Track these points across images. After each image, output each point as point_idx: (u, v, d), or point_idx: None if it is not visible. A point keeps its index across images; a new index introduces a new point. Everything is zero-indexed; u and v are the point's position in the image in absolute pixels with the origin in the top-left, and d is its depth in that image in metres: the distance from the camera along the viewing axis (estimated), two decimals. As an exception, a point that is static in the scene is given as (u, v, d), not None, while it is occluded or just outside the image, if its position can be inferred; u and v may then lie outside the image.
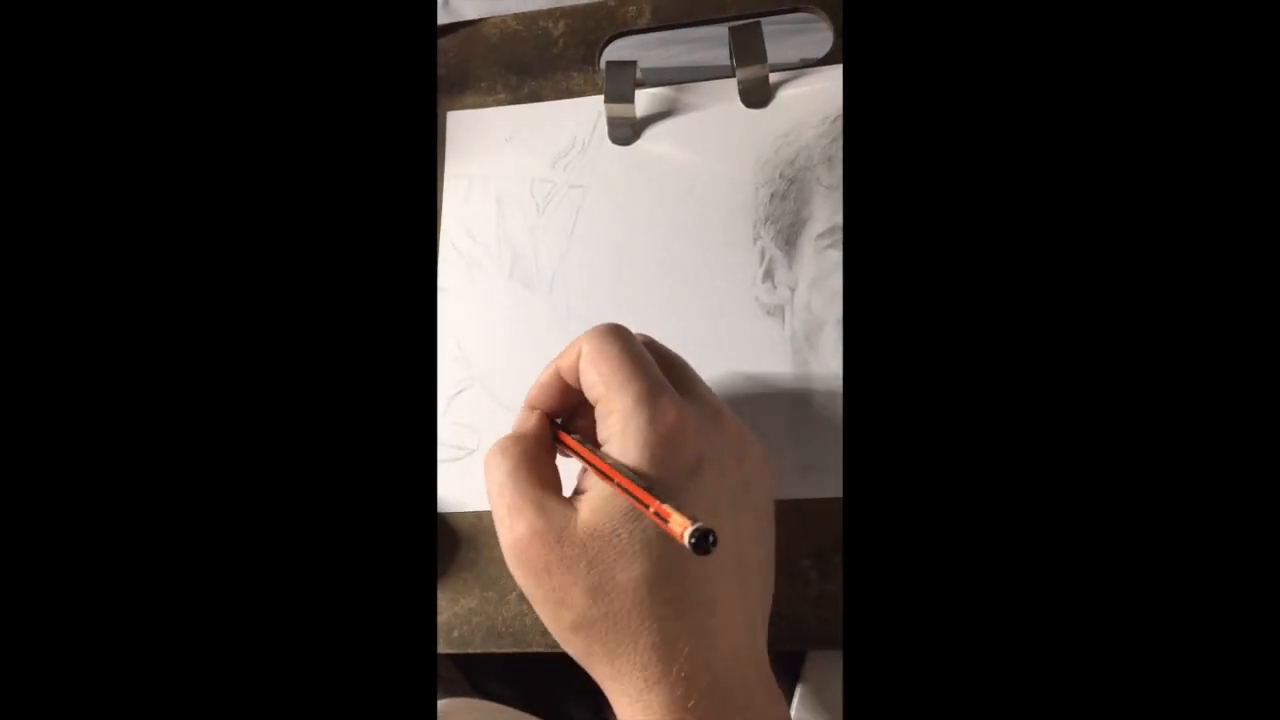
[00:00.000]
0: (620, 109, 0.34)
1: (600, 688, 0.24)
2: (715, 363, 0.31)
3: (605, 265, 0.34)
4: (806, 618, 0.29)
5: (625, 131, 0.35)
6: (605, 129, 0.35)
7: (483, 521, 0.32)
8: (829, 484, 0.30)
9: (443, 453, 0.33)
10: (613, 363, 0.24)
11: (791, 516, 0.29)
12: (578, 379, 0.25)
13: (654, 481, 0.22)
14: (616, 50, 0.36)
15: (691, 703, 0.22)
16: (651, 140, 0.35)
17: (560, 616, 0.23)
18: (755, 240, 0.33)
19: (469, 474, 0.32)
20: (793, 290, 0.32)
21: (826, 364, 0.31)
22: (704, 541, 0.19)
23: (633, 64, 0.33)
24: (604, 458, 0.23)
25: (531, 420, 0.26)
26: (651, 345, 0.27)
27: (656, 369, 0.24)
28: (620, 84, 0.33)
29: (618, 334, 0.25)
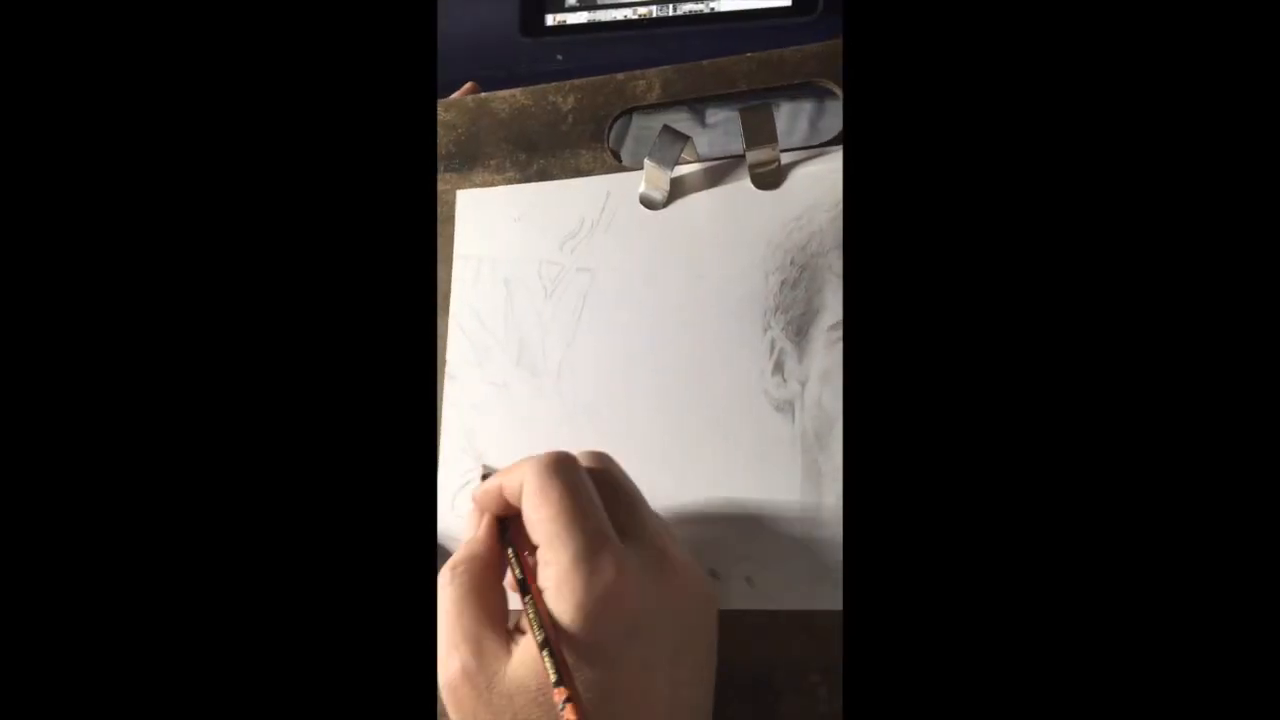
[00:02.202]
0: (659, 174, 0.33)
1: None
2: (721, 460, 0.30)
3: (613, 353, 0.33)
4: (814, 734, 0.28)
5: (655, 197, 0.34)
6: (614, 210, 0.34)
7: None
8: (839, 595, 0.29)
9: (449, 547, 0.33)
10: (554, 508, 0.23)
11: (798, 629, 0.28)
12: (519, 501, 0.25)
13: (586, 642, 0.22)
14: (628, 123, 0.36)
15: None
16: (660, 221, 0.34)
17: None
18: (765, 330, 0.32)
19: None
20: (803, 385, 0.31)
21: (837, 464, 0.30)
22: None
23: (686, 138, 0.33)
24: (534, 619, 0.23)
25: (481, 535, 0.26)
26: (602, 475, 0.26)
27: (600, 516, 0.24)
28: (667, 149, 0.33)
29: (561, 472, 0.24)
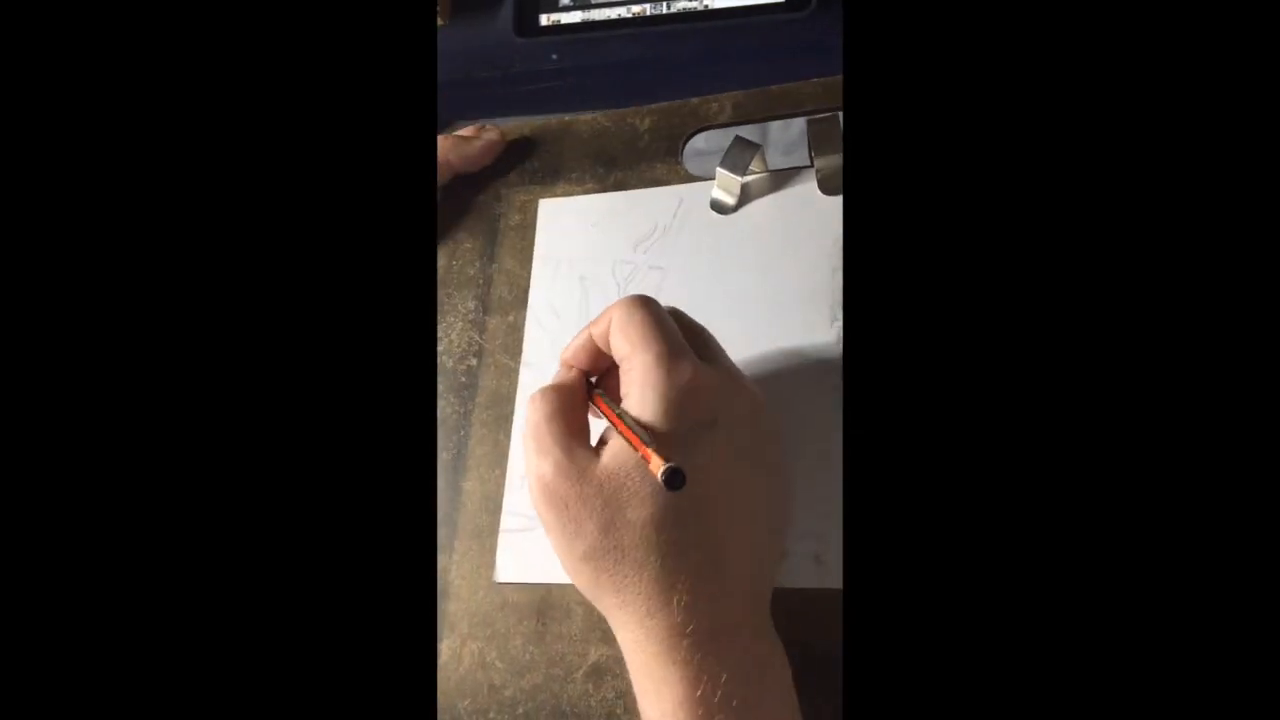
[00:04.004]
0: (729, 180, 0.35)
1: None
2: (791, 446, 0.31)
3: (682, 344, 0.34)
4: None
5: (726, 202, 0.36)
6: (685, 215, 0.37)
7: (552, 595, 0.32)
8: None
9: (515, 522, 0.33)
10: (638, 326, 0.26)
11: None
12: (608, 343, 0.27)
13: (668, 433, 0.24)
14: (702, 140, 0.38)
15: (691, 627, 0.24)
16: (730, 224, 0.36)
17: (573, 546, 0.25)
18: (832, 322, 0.33)
19: (540, 546, 0.32)
20: (870, 371, 0.32)
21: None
22: (673, 478, 0.22)
23: (757, 146, 0.35)
24: (621, 414, 0.25)
25: (568, 375, 0.29)
26: (678, 315, 0.29)
27: (678, 333, 0.27)
28: (739, 157, 0.35)
29: (644, 302, 0.27)
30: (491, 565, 0.33)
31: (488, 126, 0.39)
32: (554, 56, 0.44)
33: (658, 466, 0.22)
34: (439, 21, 0.43)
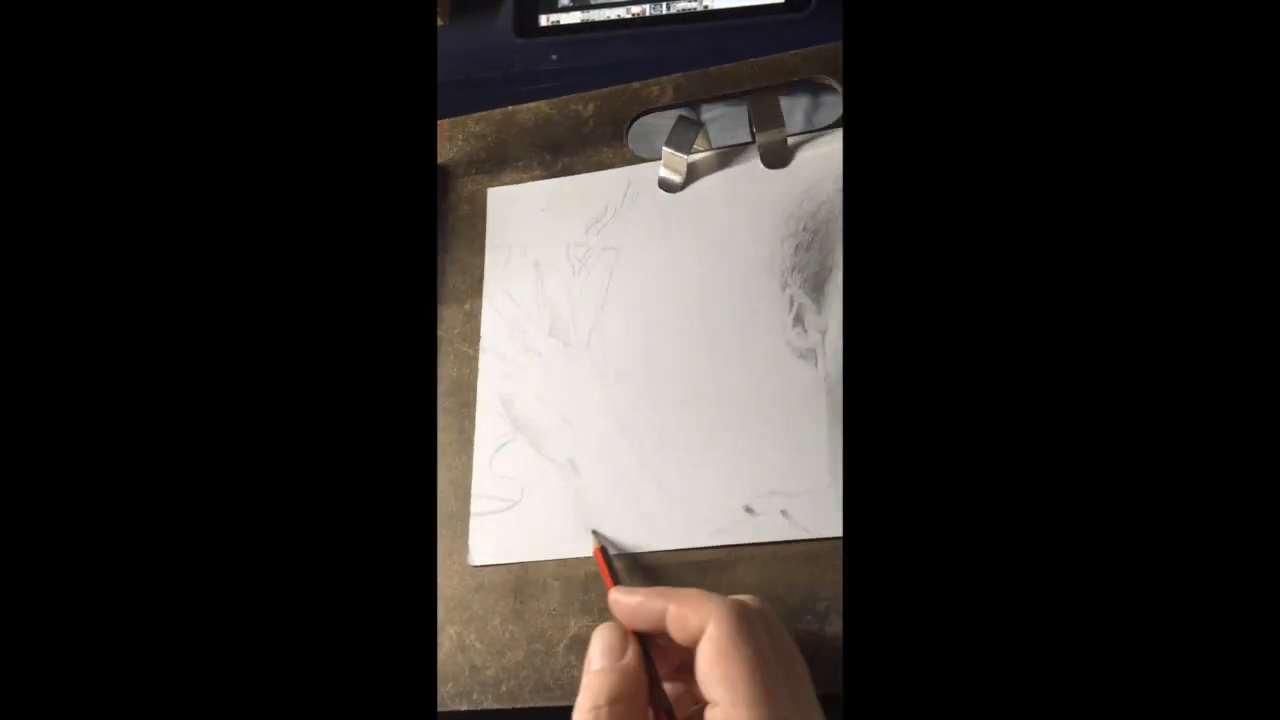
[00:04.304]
0: (675, 159, 0.36)
1: None
2: (750, 407, 0.32)
3: (639, 320, 0.35)
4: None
5: (673, 180, 0.37)
6: (635, 195, 0.37)
7: (528, 573, 0.32)
8: (872, 519, 0.29)
9: (487, 505, 0.33)
10: (742, 671, 0.22)
11: (835, 555, 0.29)
12: (683, 631, 0.24)
13: None
14: (645, 123, 0.39)
15: None
16: (679, 202, 0.37)
17: None
18: (784, 289, 0.34)
19: (513, 526, 0.33)
20: (823, 334, 0.33)
21: (861, 402, 0.31)
22: None
23: (700, 124, 0.36)
24: None
25: (630, 668, 0.24)
26: (771, 633, 0.24)
27: (780, 686, 0.23)
28: (683, 136, 0.36)
29: (752, 633, 0.23)
30: (465, 550, 0.33)
31: None
32: (554, 57, 0.43)
33: None
34: (438, 22, 0.42)
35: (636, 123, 0.39)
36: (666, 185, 0.37)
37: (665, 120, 0.39)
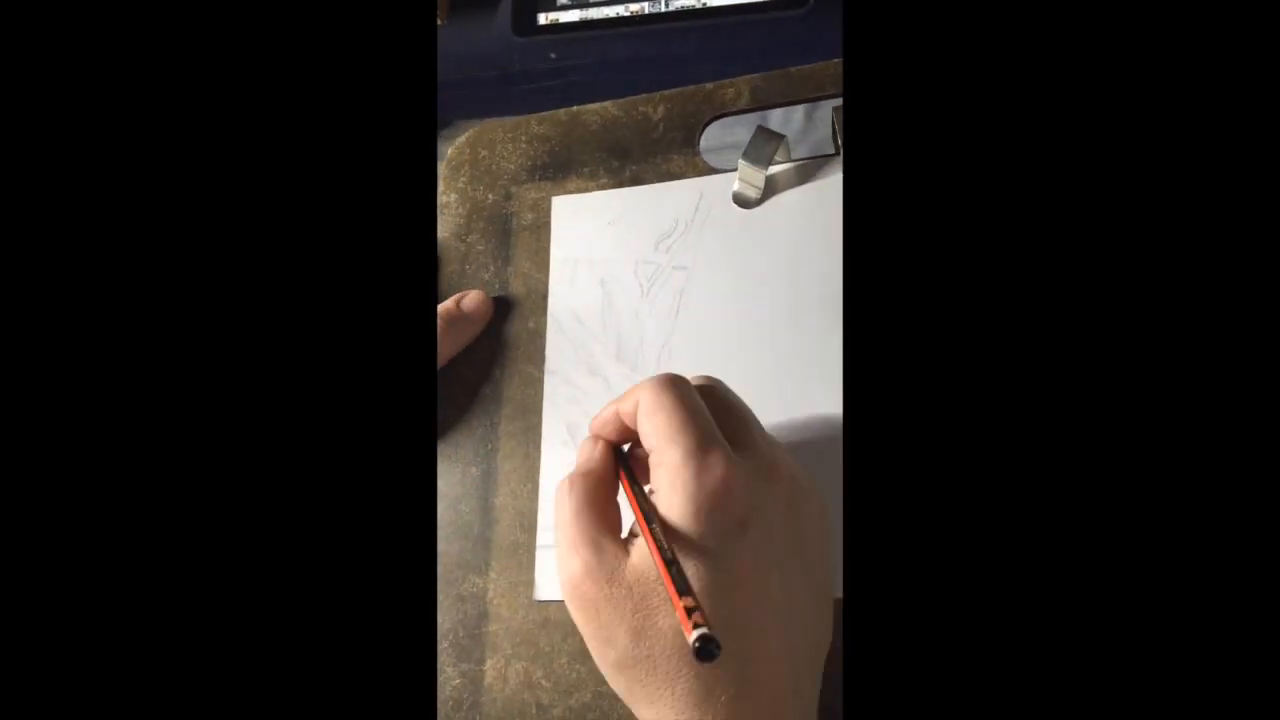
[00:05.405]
0: (753, 172, 0.34)
1: None
2: (822, 446, 0.30)
3: (712, 346, 0.33)
4: None
5: (749, 195, 0.35)
6: (707, 209, 0.35)
7: (594, 610, 0.31)
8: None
9: (548, 538, 0.33)
10: (666, 414, 0.24)
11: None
12: (636, 422, 0.26)
13: (698, 538, 0.23)
14: (720, 130, 0.37)
15: None
16: (755, 219, 0.35)
17: (606, 653, 0.24)
18: (866, 319, 0.32)
19: (579, 560, 0.32)
20: (909, 371, 0.31)
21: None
22: (706, 650, 0.20)
23: (781, 137, 0.34)
24: (649, 516, 0.24)
25: (597, 454, 0.27)
26: (711, 392, 0.27)
27: (709, 422, 0.25)
28: (761, 148, 0.34)
29: (673, 385, 0.25)
30: (530, 583, 0.32)
31: (467, 294, 0.36)
32: (552, 55, 0.43)
33: (688, 629, 0.20)
34: (437, 21, 0.41)
35: (709, 128, 0.37)
36: (742, 201, 0.35)
37: (741, 125, 0.37)
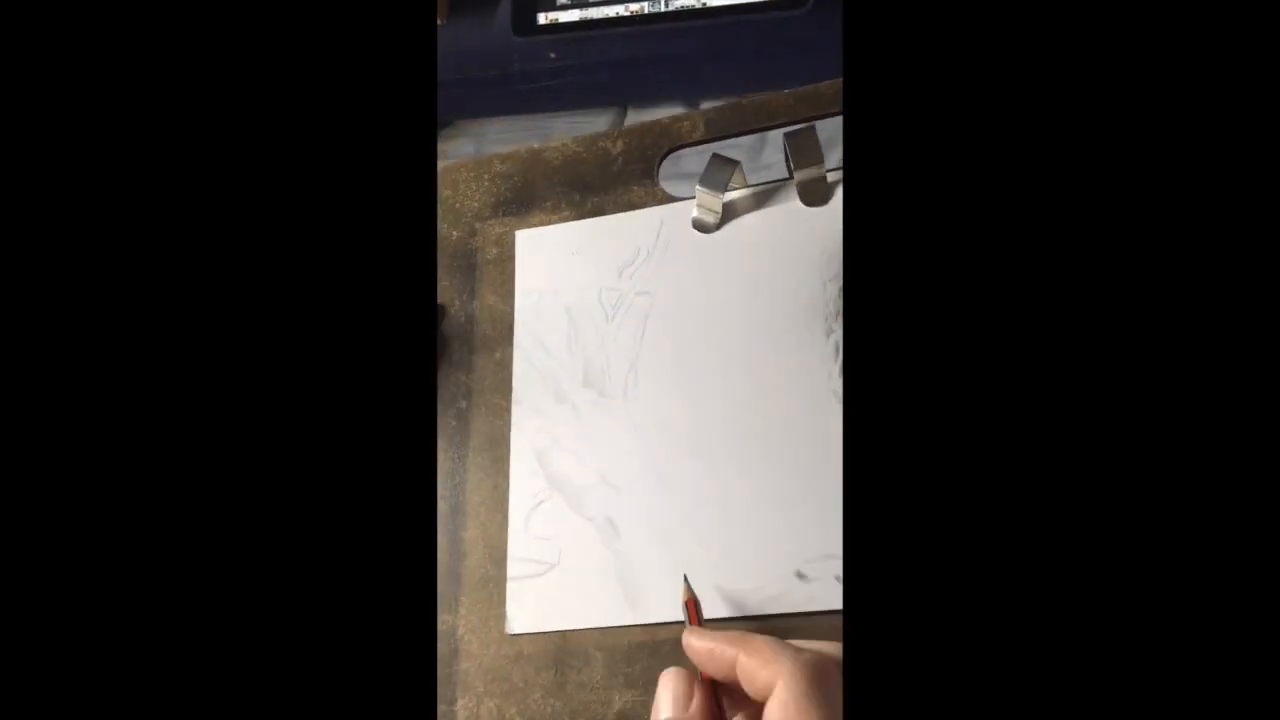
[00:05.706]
0: (710, 198, 0.35)
1: None
2: (797, 462, 0.30)
3: (678, 368, 0.34)
4: None
5: (708, 221, 0.35)
6: (668, 236, 0.36)
7: (569, 642, 0.31)
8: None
9: (523, 568, 0.32)
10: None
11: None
12: (752, 683, 0.23)
13: None
14: (677, 161, 0.38)
15: None
16: (715, 243, 0.35)
17: None
18: (828, 334, 0.32)
19: (552, 591, 0.31)
20: (872, 382, 0.31)
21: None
22: None
23: (736, 163, 0.34)
24: None
25: (697, 707, 0.24)
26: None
27: None
28: (718, 174, 0.34)
29: (824, 697, 0.22)
30: (502, 617, 0.32)
31: None
32: (552, 55, 0.43)
33: None
34: (437, 20, 0.42)
35: (667, 159, 0.38)
36: (701, 226, 0.36)
37: (698, 156, 0.38)
